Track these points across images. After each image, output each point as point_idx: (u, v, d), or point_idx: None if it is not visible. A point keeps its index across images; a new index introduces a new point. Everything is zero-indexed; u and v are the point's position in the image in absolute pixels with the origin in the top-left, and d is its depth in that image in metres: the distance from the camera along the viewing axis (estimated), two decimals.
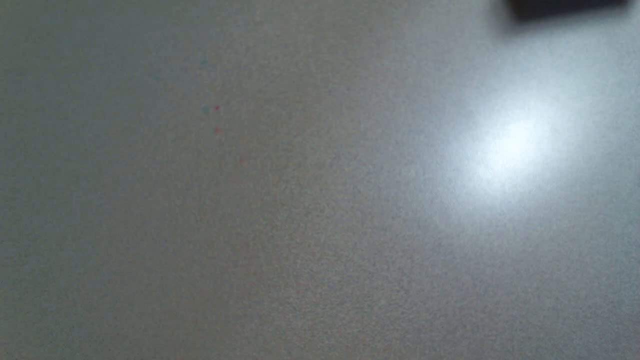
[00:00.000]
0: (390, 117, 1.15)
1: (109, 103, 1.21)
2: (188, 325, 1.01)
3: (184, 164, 1.14)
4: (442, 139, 1.12)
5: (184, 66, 1.23)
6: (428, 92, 1.17)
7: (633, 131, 1.10)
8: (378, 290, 1.01)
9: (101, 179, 1.13)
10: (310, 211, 1.08)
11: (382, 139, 1.13)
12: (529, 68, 1.17)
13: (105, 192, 1.12)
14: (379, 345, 0.97)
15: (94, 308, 1.03)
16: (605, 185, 1.06)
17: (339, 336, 0.98)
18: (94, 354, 1.00)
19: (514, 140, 1.11)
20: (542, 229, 1.04)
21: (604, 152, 1.09)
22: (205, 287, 1.03)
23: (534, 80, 1.16)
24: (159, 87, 1.22)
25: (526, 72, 1.17)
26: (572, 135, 1.11)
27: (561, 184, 1.07)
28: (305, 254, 1.05)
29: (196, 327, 1.00)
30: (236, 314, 1.01)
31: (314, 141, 1.14)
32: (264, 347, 0.99)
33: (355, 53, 1.22)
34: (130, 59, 1.25)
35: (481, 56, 1.19)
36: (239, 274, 1.04)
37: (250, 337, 0.99)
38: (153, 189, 1.12)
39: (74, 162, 1.15)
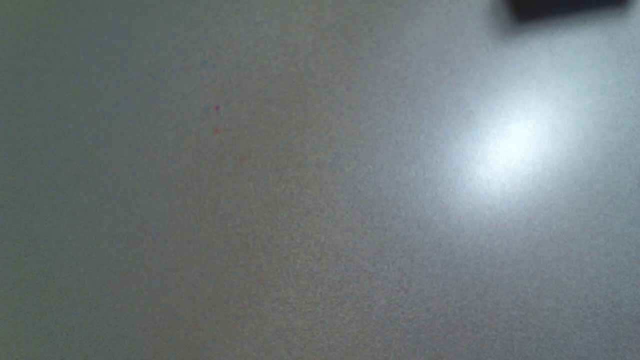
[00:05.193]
0: (390, 117, 1.15)
1: (109, 103, 1.21)
2: (188, 325, 1.01)
3: (184, 164, 1.14)
4: (442, 139, 1.12)
5: (184, 66, 1.23)
6: (428, 92, 1.17)
7: (633, 131, 1.10)
8: (378, 290, 1.01)
9: (101, 179, 1.13)
10: (310, 211, 1.08)
11: (382, 139, 1.13)
12: (529, 68, 1.17)
13: (105, 192, 1.12)
14: (379, 345, 0.97)
15: (94, 308, 1.03)
16: (605, 185, 1.06)
17: (339, 336, 0.98)
18: (94, 354, 1.00)
19: (514, 140, 1.11)
20: (542, 229, 1.04)
21: (604, 152, 1.09)
22: (205, 287, 1.03)
23: (534, 80, 1.16)
24: (159, 87, 1.22)
25: (526, 72, 1.17)
26: (572, 135, 1.11)
27: (561, 184, 1.07)
28: (305, 254, 1.05)
29: (196, 327, 1.00)
30: (236, 314, 1.01)
31: (314, 141, 1.14)
32: (264, 347, 0.99)
33: (355, 53, 1.22)
34: (130, 59, 1.25)
35: (481, 56, 1.19)
36: (239, 274, 1.04)
37: (250, 337, 0.99)
38: (153, 189, 1.12)
39: (74, 162, 1.15)
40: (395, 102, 1.16)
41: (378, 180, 1.10)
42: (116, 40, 1.27)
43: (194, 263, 1.05)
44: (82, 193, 1.12)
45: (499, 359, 0.95)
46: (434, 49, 1.21)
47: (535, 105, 1.14)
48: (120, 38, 1.27)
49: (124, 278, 1.05)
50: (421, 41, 1.22)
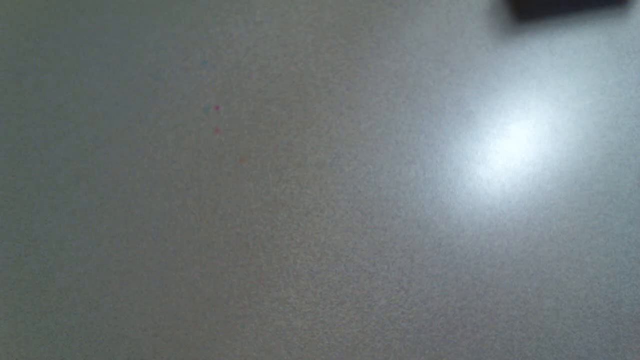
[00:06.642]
0: (390, 117, 1.15)
1: (109, 103, 1.21)
2: (188, 325, 1.01)
3: (184, 164, 1.14)
4: (442, 139, 1.12)
5: (184, 66, 1.23)
6: (428, 92, 1.17)
7: (633, 131, 1.10)
8: (378, 290, 1.01)
9: (101, 179, 1.13)
10: (310, 211, 1.08)
11: (382, 139, 1.13)
12: (529, 68, 1.17)
13: (105, 192, 1.12)
14: (379, 345, 0.97)
15: (94, 308, 1.03)
16: (605, 185, 1.06)
17: (339, 336, 0.98)
18: (94, 354, 1.00)
19: (514, 140, 1.11)
20: (542, 229, 1.04)
21: (604, 152, 1.09)
22: (205, 287, 1.03)
23: (534, 80, 1.16)
24: (159, 87, 1.22)
25: (526, 72, 1.17)
26: (572, 135, 1.11)
27: (561, 184, 1.07)
28: (305, 254, 1.05)
29: (196, 327, 1.01)
30: (236, 314, 1.01)
31: (314, 141, 1.14)
32: (264, 347, 0.99)
33: (355, 53, 1.22)
34: (130, 59, 1.25)
35: (481, 56, 1.19)
36: (239, 274, 1.04)
37: (250, 337, 0.99)
38: (153, 189, 1.12)
39: (74, 162, 1.15)
40: (395, 102, 1.16)
41: (378, 180, 1.10)
42: (116, 40, 1.27)
43: (194, 263, 1.05)
44: (82, 193, 1.12)
45: (499, 359, 0.95)
46: (434, 49, 1.21)
47: (535, 105, 1.14)
48: (120, 38, 1.27)
49: (124, 278, 1.05)
50: (421, 41, 1.22)
